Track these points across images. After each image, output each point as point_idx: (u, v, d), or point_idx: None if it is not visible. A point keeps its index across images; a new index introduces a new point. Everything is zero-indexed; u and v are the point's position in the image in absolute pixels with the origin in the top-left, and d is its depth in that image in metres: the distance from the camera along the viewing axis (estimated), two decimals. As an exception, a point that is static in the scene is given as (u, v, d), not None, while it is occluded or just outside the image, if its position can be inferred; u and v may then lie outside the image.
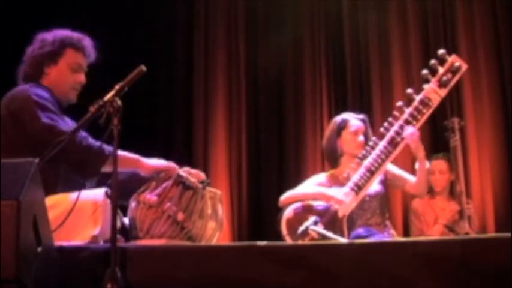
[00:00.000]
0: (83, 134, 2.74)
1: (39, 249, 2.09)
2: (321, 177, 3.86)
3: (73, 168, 2.77)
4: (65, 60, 2.99)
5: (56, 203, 2.56)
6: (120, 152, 2.60)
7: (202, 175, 2.89)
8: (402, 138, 3.42)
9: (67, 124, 2.82)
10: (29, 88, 2.86)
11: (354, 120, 3.81)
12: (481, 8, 5.06)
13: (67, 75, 2.99)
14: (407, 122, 3.43)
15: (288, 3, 5.53)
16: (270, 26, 5.58)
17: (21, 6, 5.04)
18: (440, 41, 5.12)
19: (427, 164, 3.76)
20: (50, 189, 2.62)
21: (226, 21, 5.72)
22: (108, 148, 2.66)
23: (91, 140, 2.75)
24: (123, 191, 2.79)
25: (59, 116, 2.83)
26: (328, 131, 3.93)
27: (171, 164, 2.86)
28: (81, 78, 3.03)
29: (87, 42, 3.05)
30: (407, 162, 4.48)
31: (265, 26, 5.62)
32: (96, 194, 2.63)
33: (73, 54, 3.01)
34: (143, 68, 2.49)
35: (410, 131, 3.41)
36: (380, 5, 5.33)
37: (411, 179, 3.76)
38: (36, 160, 2.14)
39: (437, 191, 4.43)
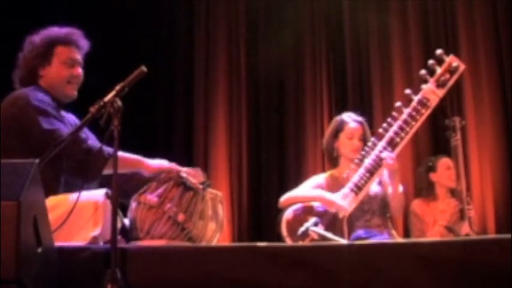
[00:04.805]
0: (83, 136, 2.73)
1: (39, 249, 2.09)
2: (320, 178, 3.84)
3: (74, 171, 2.76)
4: (58, 58, 2.97)
5: (56, 204, 2.56)
6: (122, 154, 2.60)
7: (201, 174, 2.88)
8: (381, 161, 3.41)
9: (67, 128, 2.81)
10: (28, 92, 2.84)
11: (351, 123, 3.78)
12: (481, 8, 5.07)
13: (63, 72, 2.96)
14: (405, 123, 3.42)
15: (288, 4, 5.52)
16: (271, 26, 5.57)
17: (21, 6, 5.04)
18: (441, 41, 5.12)
19: (401, 188, 3.61)
20: (51, 191, 2.62)
21: (227, 21, 5.71)
22: (108, 150, 2.65)
23: (91, 142, 2.75)
24: (123, 190, 2.80)
25: (59, 120, 2.82)
26: (328, 130, 3.93)
27: (173, 165, 2.86)
28: (78, 71, 3.01)
29: (76, 35, 3.02)
30: (408, 162, 4.47)
31: (266, 26, 5.62)
32: (96, 195, 2.62)
33: (64, 50, 2.98)
34: (144, 68, 2.49)
35: (387, 155, 3.40)
36: (380, 5, 5.33)
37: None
38: (37, 161, 2.14)
39: (453, 188, 4.18)
